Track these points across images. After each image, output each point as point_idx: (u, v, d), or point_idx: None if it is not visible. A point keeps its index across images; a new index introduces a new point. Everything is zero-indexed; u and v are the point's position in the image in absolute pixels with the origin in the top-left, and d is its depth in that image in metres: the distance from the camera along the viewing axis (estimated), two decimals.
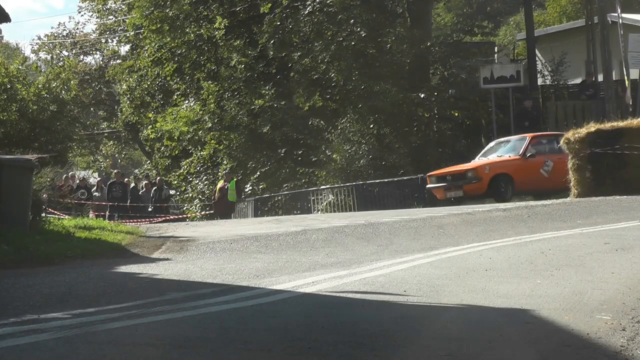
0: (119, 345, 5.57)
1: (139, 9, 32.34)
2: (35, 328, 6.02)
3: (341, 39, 27.38)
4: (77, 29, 51.90)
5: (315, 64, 27.64)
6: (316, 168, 28.37)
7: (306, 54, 27.86)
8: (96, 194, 29.02)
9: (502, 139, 23.29)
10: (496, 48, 35.89)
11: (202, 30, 31.06)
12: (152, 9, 31.68)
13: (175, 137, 32.61)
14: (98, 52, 52.02)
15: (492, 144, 23.04)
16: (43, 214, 14.47)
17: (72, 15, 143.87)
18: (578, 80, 27.75)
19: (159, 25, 31.35)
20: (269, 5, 28.92)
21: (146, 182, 31.07)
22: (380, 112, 26.89)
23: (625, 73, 23.77)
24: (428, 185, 22.37)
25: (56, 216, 18.52)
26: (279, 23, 28.60)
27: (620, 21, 23.39)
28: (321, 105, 28.07)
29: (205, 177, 32.79)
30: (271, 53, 28.73)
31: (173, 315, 6.52)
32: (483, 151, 22.89)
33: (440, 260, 9.88)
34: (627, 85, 23.50)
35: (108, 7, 47.26)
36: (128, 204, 28.24)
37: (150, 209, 28.75)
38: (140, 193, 29.64)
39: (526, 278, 8.28)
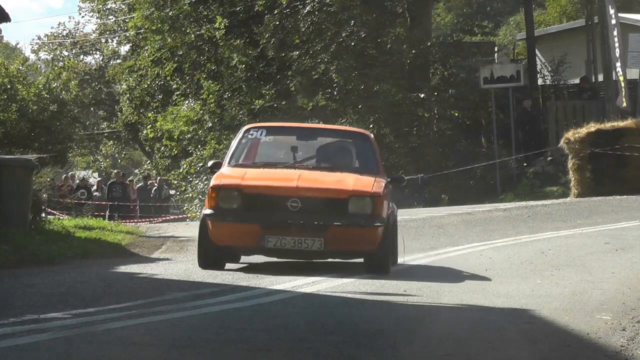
0: (118, 345, 5.57)
1: (139, 10, 32.33)
2: (35, 328, 6.01)
3: (341, 39, 27.35)
4: (77, 29, 51.93)
5: (315, 63, 27.62)
6: None
7: (305, 54, 27.84)
8: (96, 194, 29.01)
9: (256, 126, 11.90)
10: (496, 48, 35.87)
11: (202, 30, 31.04)
12: (152, 9, 31.67)
13: (175, 137, 32.59)
14: (98, 52, 52.02)
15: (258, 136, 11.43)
16: (43, 214, 14.47)
17: (71, 15, 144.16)
18: (578, 80, 27.71)
19: (159, 26, 31.35)
20: (263, 2, 28.89)
21: (152, 180, 31.14)
22: (380, 112, 26.86)
23: (621, 73, 23.62)
24: (207, 211, 9.58)
25: (56, 216, 18.53)
26: (277, 23, 28.57)
27: (613, 22, 23.31)
28: (322, 105, 28.04)
29: (205, 177, 32.75)
30: (270, 53, 28.70)
31: (173, 315, 6.52)
32: (236, 143, 10.62)
33: (440, 260, 9.88)
34: (622, 86, 23.28)
35: (108, 7, 47.24)
36: (137, 205, 28.21)
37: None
38: (153, 190, 29.65)
39: (526, 278, 8.28)
